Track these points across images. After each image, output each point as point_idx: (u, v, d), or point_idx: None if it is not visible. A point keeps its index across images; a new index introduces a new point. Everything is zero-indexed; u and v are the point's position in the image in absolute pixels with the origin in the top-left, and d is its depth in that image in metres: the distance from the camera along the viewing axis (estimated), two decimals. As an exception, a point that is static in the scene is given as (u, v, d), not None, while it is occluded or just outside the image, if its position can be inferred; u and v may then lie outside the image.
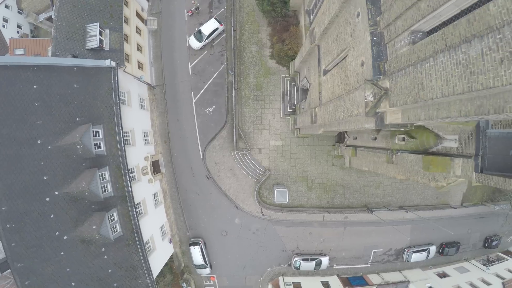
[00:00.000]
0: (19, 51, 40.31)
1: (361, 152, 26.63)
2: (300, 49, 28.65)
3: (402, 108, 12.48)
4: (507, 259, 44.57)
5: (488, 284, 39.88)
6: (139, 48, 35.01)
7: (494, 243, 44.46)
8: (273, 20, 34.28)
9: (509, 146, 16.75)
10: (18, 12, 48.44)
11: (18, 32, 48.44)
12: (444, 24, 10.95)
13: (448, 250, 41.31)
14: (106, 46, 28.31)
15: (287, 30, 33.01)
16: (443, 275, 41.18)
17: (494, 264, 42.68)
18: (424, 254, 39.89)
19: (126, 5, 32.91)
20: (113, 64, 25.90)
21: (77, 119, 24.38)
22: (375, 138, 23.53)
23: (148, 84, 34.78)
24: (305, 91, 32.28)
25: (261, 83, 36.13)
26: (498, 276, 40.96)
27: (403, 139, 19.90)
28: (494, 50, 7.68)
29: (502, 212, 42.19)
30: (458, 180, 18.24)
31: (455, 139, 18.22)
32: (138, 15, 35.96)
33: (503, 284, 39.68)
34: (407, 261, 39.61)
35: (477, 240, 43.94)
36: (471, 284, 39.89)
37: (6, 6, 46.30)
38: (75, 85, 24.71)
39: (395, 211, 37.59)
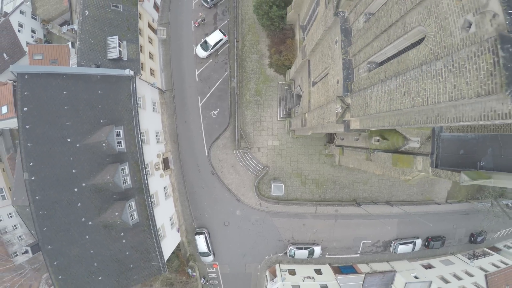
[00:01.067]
0: (38, 56, 44.58)
1: (347, 151, 30.86)
2: (295, 61, 33.06)
3: (358, 118, 16.67)
4: (492, 254, 48.43)
5: (471, 275, 43.97)
6: (151, 56, 39.32)
7: (479, 238, 48.28)
8: (271, 33, 38.77)
9: (459, 146, 20.90)
10: (32, 17, 52.73)
11: (32, 37, 52.65)
12: (389, 59, 15.09)
13: (434, 243, 45.40)
14: (124, 56, 32.64)
15: (284, 43, 37.53)
16: (428, 267, 45.19)
17: (479, 258, 46.74)
18: (410, 246, 44.06)
19: (140, 18, 37.24)
20: (132, 73, 30.22)
21: (101, 121, 28.73)
22: (357, 139, 27.68)
23: (159, 89, 39.15)
24: (298, 97, 36.50)
25: (260, 89, 40.59)
26: (481, 269, 44.89)
27: (378, 140, 24.08)
28: (401, 85, 11.83)
29: (484, 209, 46.20)
30: (420, 174, 22.34)
31: (418, 141, 22.40)
32: (149, 26, 40.34)
33: (485, 276, 43.71)
34: (394, 252, 43.76)
35: (463, 235, 47.98)
36: (454, 275, 43.87)
37: (21, 12, 50.51)
38: (99, 91, 29.04)
39: (382, 205, 41.85)
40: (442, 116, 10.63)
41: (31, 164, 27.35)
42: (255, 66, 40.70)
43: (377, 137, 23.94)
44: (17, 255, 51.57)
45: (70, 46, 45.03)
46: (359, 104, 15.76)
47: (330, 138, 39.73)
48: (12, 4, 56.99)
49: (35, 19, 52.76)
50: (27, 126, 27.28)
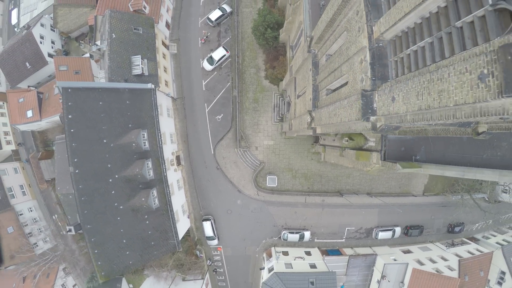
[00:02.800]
0: (63, 68, 52.90)
1: (328, 149, 39.20)
2: (285, 75, 41.36)
3: (319, 126, 24.93)
4: (469, 244, 55.91)
5: (446, 260, 51.78)
6: (165, 70, 47.91)
7: (457, 229, 55.70)
8: (267, 50, 47.56)
9: (400, 145, 29.02)
10: (51, 29, 60.52)
11: (52, 47, 60.72)
12: (336, 89, 23.34)
13: (412, 231, 53.37)
14: (146, 72, 41.12)
15: (277, 59, 46.29)
16: (407, 252, 53.06)
17: (456, 246, 54.55)
18: (390, 233, 52.15)
19: (156, 38, 45.62)
20: (152, 86, 38.65)
21: (130, 125, 37.23)
22: (334, 140, 35.93)
23: (172, 97, 47.64)
24: (288, 105, 44.88)
25: (257, 97, 49.32)
26: (457, 255, 52.38)
27: (347, 140, 32.30)
28: (335, 109, 20.07)
29: (458, 202, 54.07)
30: (375, 166, 30.43)
31: (374, 141, 30.57)
32: (163, 43, 48.89)
33: (459, 261, 51.43)
34: (376, 238, 51.92)
35: (441, 225, 55.95)
36: (430, 259, 51.71)
37: (41, 25, 58.30)
38: (127, 102, 37.51)
39: (363, 196, 50.14)
40: (351, 128, 18.91)
41: (75, 160, 35.89)
42: (253, 78, 49.42)
43: (346, 138, 32.18)
44: (37, 245, 59.88)
45: (90, 58, 53.02)
46: (318, 117, 24.09)
47: (316, 138, 48.13)
48: (29, 15, 64.88)
49: (54, 31, 60.58)
50: (72, 130, 35.82)
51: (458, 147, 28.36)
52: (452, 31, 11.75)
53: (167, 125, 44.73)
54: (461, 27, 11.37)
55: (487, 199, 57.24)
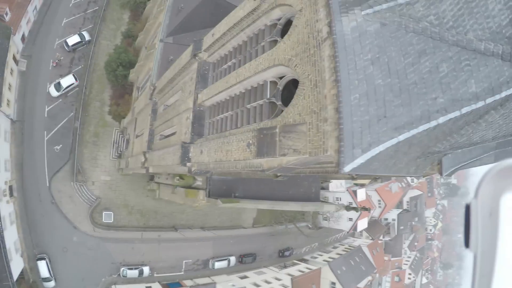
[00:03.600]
0: None
1: (162, 186, 52.08)
2: (128, 114, 52.07)
3: (151, 166, 38.67)
4: (299, 264, 73.47)
5: (279, 280, 66.42)
6: (9, 87, 49.81)
7: (286, 253, 73.02)
8: (114, 86, 55.67)
9: (222, 184, 44.30)
10: None
11: None
12: (168, 136, 37.61)
13: (246, 259, 67.49)
14: None
15: (123, 97, 54.75)
16: (244, 277, 67.10)
17: (288, 268, 72.34)
18: (225, 262, 65.03)
19: (9, 50, 47.57)
20: None
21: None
22: (167, 178, 49.79)
23: (11, 119, 50.78)
24: (128, 142, 53.41)
25: (98, 132, 56.35)
26: (289, 274, 67.26)
27: (178, 179, 46.27)
28: (164, 154, 34.12)
29: (283, 230, 74.35)
30: (202, 202, 45.03)
31: (201, 180, 45.49)
32: (14, 57, 51.07)
33: (291, 279, 65.59)
34: (213, 268, 65.73)
35: (272, 252, 72.79)
36: (265, 281, 65.29)
37: None
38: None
39: (197, 231, 61.77)
40: (175, 170, 33.05)
41: None
42: (97, 111, 56.76)
43: (178, 177, 46.20)
44: None
45: None
46: (151, 158, 34.80)
47: (152, 176, 56.44)
48: None
49: None
50: None
51: (269, 185, 44.48)
52: (244, 110, 21.82)
53: (2, 150, 47.45)
54: (249, 109, 22.41)
55: (310, 227, 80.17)
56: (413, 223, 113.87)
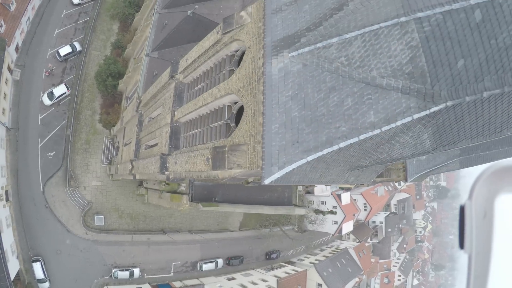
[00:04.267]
0: None
1: (150, 191, 55.86)
2: (118, 123, 56.46)
3: (138, 173, 42.23)
4: (286, 266, 77.35)
5: (266, 281, 70.39)
6: (4, 96, 53.69)
7: (273, 255, 76.87)
8: (104, 96, 59.66)
9: (204, 189, 47.91)
10: None
11: None
12: (152, 146, 41.22)
13: (233, 261, 71.81)
14: None
15: (113, 106, 58.66)
16: (231, 279, 71.54)
17: (275, 269, 76.67)
18: (213, 264, 69.26)
19: (3, 61, 51.60)
20: None
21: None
22: (155, 184, 53.36)
23: (6, 127, 54.67)
24: (118, 149, 57.90)
25: (90, 139, 60.31)
26: (275, 276, 70.80)
27: (164, 185, 49.89)
28: (148, 163, 37.71)
29: (268, 233, 77.49)
30: (186, 206, 48.62)
31: (185, 186, 49.11)
32: (8, 67, 54.72)
33: (277, 280, 69.17)
34: (201, 270, 69.51)
35: (259, 254, 76.67)
36: (252, 282, 70.64)
37: None
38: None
39: (185, 234, 65.98)
40: (156, 178, 36.58)
41: None
42: (88, 120, 60.72)
43: (164, 183, 49.86)
44: None
45: None
46: (137, 166, 39.28)
47: (140, 182, 59.96)
48: None
49: None
50: None
51: (246, 190, 48.19)
52: (208, 129, 27.86)
53: None
54: (212, 128, 29.08)
55: (296, 230, 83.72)
56: (400, 225, 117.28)
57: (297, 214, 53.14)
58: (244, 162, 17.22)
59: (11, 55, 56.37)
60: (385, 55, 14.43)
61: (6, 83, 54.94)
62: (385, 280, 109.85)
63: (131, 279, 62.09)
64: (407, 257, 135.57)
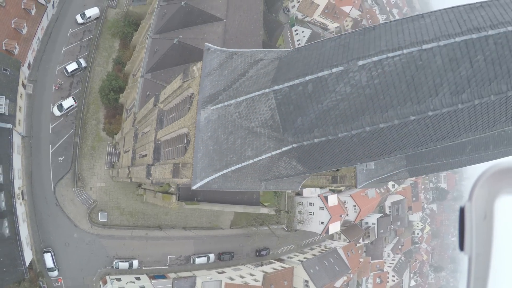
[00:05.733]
0: None
1: (147, 192, 68.16)
2: (119, 132, 69.15)
3: (133, 177, 54.26)
4: (275, 263, 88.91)
5: (253, 275, 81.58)
6: (20, 109, 65.36)
7: (263, 252, 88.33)
8: (107, 107, 72.36)
9: (188, 190, 59.66)
10: None
11: None
12: (143, 156, 53.33)
13: (224, 257, 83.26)
14: (6, 112, 58.59)
15: (115, 117, 71.14)
16: (222, 272, 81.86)
17: (264, 266, 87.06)
18: (205, 258, 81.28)
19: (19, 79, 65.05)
20: (11, 126, 60.72)
21: (-15, 166, 59.02)
22: (151, 185, 65.47)
23: (22, 135, 68.58)
24: (119, 155, 72.06)
25: (95, 146, 72.85)
26: (263, 271, 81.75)
27: (157, 186, 61.93)
28: (140, 169, 49.78)
29: (255, 231, 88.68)
30: (175, 204, 60.24)
31: (174, 187, 61.00)
32: (22, 82, 66.63)
33: (264, 275, 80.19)
34: (194, 263, 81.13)
35: (249, 251, 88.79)
36: (240, 276, 79.91)
37: None
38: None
39: (180, 230, 78.56)
40: (146, 182, 48.62)
41: None
42: (93, 128, 73.34)
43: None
44: None
45: None
46: (133, 171, 50.91)
47: (139, 183, 73.19)
48: None
49: None
50: None
51: (223, 193, 59.27)
52: (175, 148, 41.15)
53: (16, 161, 63.44)
54: (178, 147, 41.50)
55: (285, 229, 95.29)
56: (392, 226, 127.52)
57: (262, 212, 64.45)
58: (188, 174, 28.89)
59: (24, 72, 68.35)
60: (258, 113, 26.03)
61: (21, 97, 67.04)
62: (378, 280, 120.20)
63: (130, 269, 74.33)
64: (402, 258, 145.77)
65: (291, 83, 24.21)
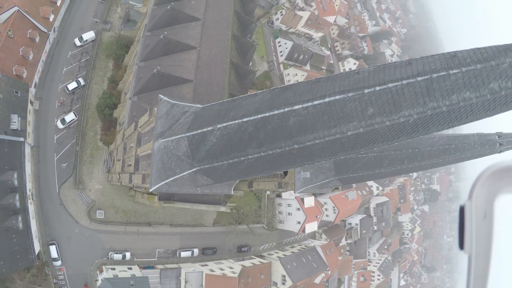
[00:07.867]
0: None
1: (137, 193, 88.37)
2: (114, 142, 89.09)
3: (123, 182, 74.38)
4: (255, 258, 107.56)
5: (232, 268, 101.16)
6: (29, 123, 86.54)
7: (244, 249, 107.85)
8: (104, 121, 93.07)
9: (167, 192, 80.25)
10: None
11: None
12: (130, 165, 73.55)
13: (207, 251, 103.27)
14: (19, 127, 79.94)
15: (110, 129, 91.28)
16: (205, 265, 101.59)
17: (244, 261, 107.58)
18: (189, 252, 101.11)
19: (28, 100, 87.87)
20: (23, 139, 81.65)
21: (6, 167, 79.80)
22: (139, 188, 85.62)
23: (31, 145, 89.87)
24: (114, 162, 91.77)
25: (93, 153, 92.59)
26: (242, 265, 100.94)
27: (144, 188, 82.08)
28: (126, 176, 70.02)
29: (233, 229, 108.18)
30: (157, 203, 79.82)
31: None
32: (30, 100, 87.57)
33: (241, 268, 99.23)
34: (180, 256, 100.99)
35: (231, 247, 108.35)
36: (220, 269, 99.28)
37: None
38: (5, 149, 79.71)
39: (167, 227, 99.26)
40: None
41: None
42: (92, 139, 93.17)
43: (144, 186, 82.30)
44: None
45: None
46: (122, 177, 72.02)
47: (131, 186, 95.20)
48: None
49: None
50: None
51: (194, 194, 79.00)
52: (148, 162, 61.74)
53: (27, 168, 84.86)
54: (148, 162, 61.45)
55: (266, 227, 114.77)
56: (375, 227, 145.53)
57: (220, 210, 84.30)
58: (149, 181, 48.74)
59: (31, 92, 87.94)
60: (181, 147, 46.63)
61: (29, 113, 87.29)
62: (362, 279, 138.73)
63: (123, 260, 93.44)
64: (389, 258, 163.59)
65: (195, 132, 43.95)
